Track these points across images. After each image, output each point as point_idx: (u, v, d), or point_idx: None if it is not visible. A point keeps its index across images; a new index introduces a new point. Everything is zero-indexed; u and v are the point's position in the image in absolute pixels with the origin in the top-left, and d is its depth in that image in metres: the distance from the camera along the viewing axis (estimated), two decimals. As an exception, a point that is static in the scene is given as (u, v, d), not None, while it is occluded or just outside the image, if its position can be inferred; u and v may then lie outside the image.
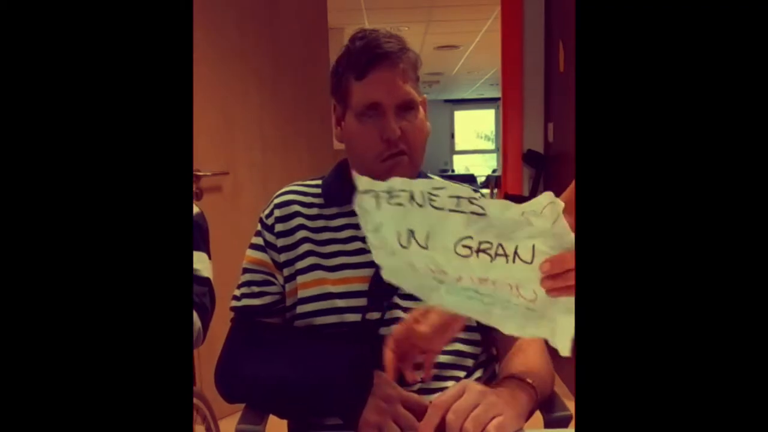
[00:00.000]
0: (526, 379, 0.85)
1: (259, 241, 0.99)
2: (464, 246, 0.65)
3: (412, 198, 0.67)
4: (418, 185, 0.67)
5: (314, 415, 0.91)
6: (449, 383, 0.91)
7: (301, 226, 0.97)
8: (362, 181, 0.71)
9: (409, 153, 0.91)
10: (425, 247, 0.68)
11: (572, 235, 0.60)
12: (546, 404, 0.93)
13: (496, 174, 6.89)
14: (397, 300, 0.92)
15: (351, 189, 0.96)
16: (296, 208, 0.98)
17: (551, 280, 0.61)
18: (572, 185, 0.73)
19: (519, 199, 2.88)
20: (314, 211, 0.98)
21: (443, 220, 0.66)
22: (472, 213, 0.64)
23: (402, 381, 0.87)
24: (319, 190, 1.01)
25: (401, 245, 0.69)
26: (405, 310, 0.91)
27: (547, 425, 0.88)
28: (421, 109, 0.95)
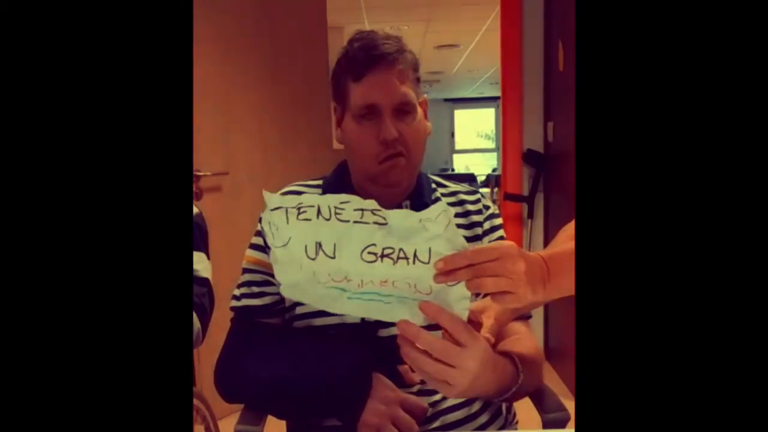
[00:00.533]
0: (512, 354, 0.84)
1: (258, 241, 0.99)
2: (369, 252, 0.73)
3: (319, 213, 0.74)
4: (325, 201, 0.74)
5: (313, 416, 0.91)
6: (448, 384, 0.91)
7: (301, 227, 0.97)
8: (272, 199, 0.76)
9: (407, 155, 0.91)
10: (332, 257, 0.73)
11: (462, 239, 0.71)
12: (538, 397, 0.94)
13: (496, 173, 6.88)
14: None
15: (351, 190, 0.97)
16: (296, 208, 0.98)
17: (444, 276, 0.70)
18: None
19: (519, 198, 2.88)
20: (314, 211, 0.98)
21: (349, 231, 0.73)
22: (375, 223, 0.72)
23: (401, 383, 0.87)
24: (319, 191, 1.01)
25: (309, 257, 0.74)
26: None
27: (545, 426, 0.88)
28: (419, 109, 0.95)
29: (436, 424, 0.89)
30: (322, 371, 0.87)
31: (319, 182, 1.03)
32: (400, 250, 0.71)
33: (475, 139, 10.97)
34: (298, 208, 0.74)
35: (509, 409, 0.99)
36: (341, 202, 0.73)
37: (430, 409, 0.88)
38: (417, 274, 0.72)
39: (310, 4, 2.58)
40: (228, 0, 2.29)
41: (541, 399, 0.95)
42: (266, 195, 0.76)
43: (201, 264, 1.27)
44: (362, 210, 0.72)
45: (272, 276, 0.97)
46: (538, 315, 2.87)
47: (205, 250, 1.31)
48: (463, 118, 10.75)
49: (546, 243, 2.85)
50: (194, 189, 2.24)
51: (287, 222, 0.74)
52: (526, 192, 2.83)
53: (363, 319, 0.91)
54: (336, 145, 2.43)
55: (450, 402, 0.91)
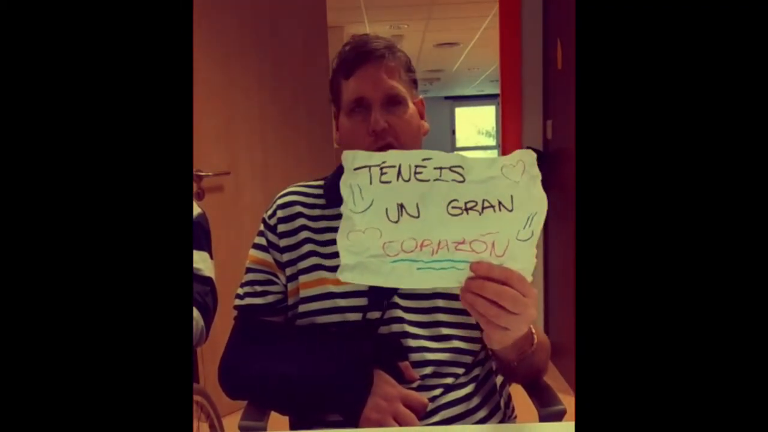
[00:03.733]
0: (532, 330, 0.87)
1: (261, 241, 1.01)
2: (454, 207, 0.72)
3: (399, 173, 0.72)
4: (407, 158, 0.73)
5: (315, 412, 0.92)
6: (448, 380, 0.92)
7: (304, 227, 0.98)
8: (358, 156, 0.74)
9: (398, 146, 0.92)
10: (417, 217, 0.73)
11: (539, 187, 0.72)
12: (535, 391, 0.96)
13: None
14: (396, 299, 0.93)
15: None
16: (299, 208, 1.00)
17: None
18: None
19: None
20: (316, 211, 1.00)
21: (430, 190, 0.72)
22: (453, 180, 0.72)
23: (402, 379, 0.89)
24: (321, 191, 1.02)
25: (391, 221, 0.73)
26: (405, 309, 0.93)
27: (542, 419, 0.89)
28: (412, 105, 0.96)
29: (436, 418, 0.90)
30: (324, 368, 0.88)
31: (321, 183, 1.04)
32: (484, 200, 0.72)
33: (475, 137, 10.95)
34: (381, 168, 0.73)
35: (508, 403, 1.01)
36: (423, 159, 0.72)
37: (430, 405, 0.89)
38: (500, 225, 0.72)
39: (310, 4, 2.59)
40: (228, 0, 2.30)
41: (538, 393, 0.96)
42: (349, 153, 0.74)
43: (204, 263, 1.28)
44: (441, 168, 0.72)
45: (275, 275, 0.99)
46: (538, 312, 2.88)
47: (208, 249, 1.32)
48: (463, 115, 10.73)
49: (546, 241, 2.86)
50: (196, 189, 2.25)
51: (370, 182, 0.73)
52: (525, 190, 2.84)
53: (364, 317, 0.92)
54: (337, 145, 2.44)
55: (450, 397, 0.92)
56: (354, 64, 0.94)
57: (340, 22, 4.44)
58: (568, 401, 0.89)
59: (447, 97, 10.47)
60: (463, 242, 0.72)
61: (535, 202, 0.72)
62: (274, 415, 0.97)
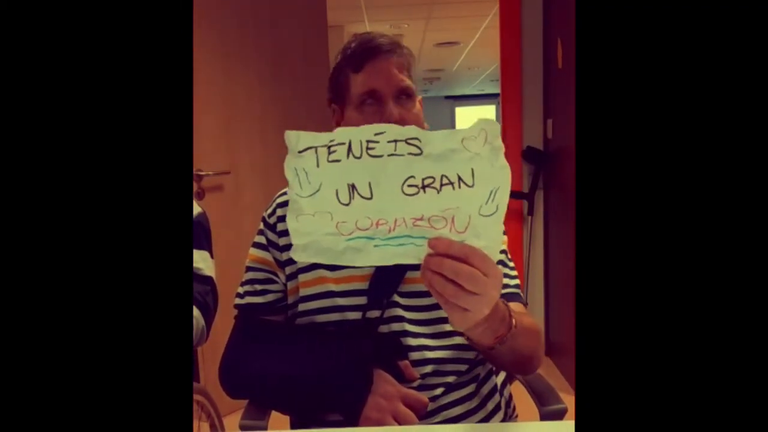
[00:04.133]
0: (505, 303, 0.82)
1: (261, 239, 1.01)
2: (409, 185, 0.68)
3: (349, 150, 0.68)
4: (358, 134, 0.68)
5: (316, 411, 0.92)
6: (449, 378, 0.92)
7: (303, 226, 0.98)
8: (302, 137, 0.69)
9: None
10: (369, 198, 0.69)
11: (502, 159, 0.68)
12: (537, 389, 0.95)
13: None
14: (397, 298, 0.93)
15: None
16: (298, 207, 1.00)
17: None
18: None
19: (518, 195, 2.89)
20: (315, 210, 1.00)
21: (384, 167, 0.68)
22: (410, 154, 0.68)
23: (402, 378, 0.89)
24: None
25: (341, 203, 0.69)
26: (405, 308, 0.93)
27: (542, 418, 0.90)
28: (417, 101, 0.97)
29: (437, 419, 0.90)
30: (324, 367, 0.88)
31: (320, 181, 1.04)
32: (443, 176, 0.68)
33: (475, 136, 10.95)
34: (329, 147, 0.68)
35: (509, 403, 1.01)
36: (376, 134, 0.68)
37: (432, 404, 0.89)
38: (459, 201, 0.68)
39: (310, 3, 2.59)
40: (228, 0, 2.30)
41: (539, 392, 0.96)
42: (292, 134, 0.70)
43: (204, 263, 1.28)
44: (396, 141, 0.68)
45: (275, 274, 0.99)
46: (538, 311, 2.88)
47: (208, 248, 1.32)
48: (464, 114, 10.72)
49: (546, 240, 2.86)
50: (196, 189, 2.25)
51: (317, 165, 0.69)
52: (525, 189, 2.84)
53: (364, 316, 0.92)
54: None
55: (451, 397, 0.92)
56: (364, 57, 0.94)
57: (340, 21, 4.44)
58: (568, 401, 0.89)
59: (447, 97, 10.47)
60: (421, 218, 0.69)
61: (497, 176, 0.68)
62: (274, 415, 0.97)
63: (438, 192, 0.68)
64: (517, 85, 2.80)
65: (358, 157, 0.68)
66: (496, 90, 3.78)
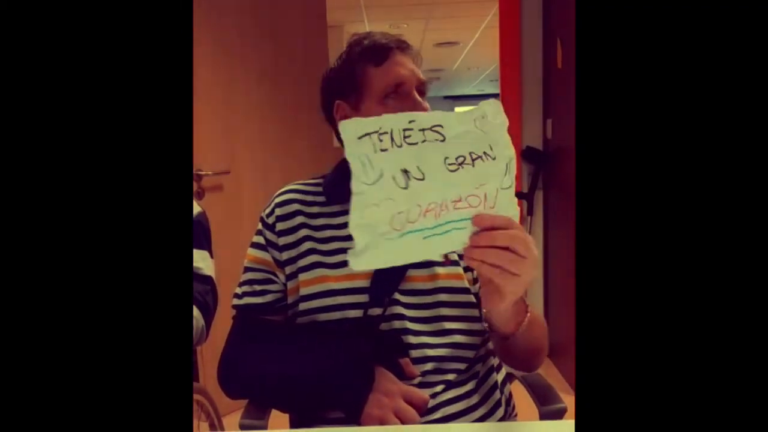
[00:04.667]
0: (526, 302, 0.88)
1: (260, 239, 1.01)
2: (450, 163, 0.73)
3: (392, 140, 0.72)
4: (397, 122, 0.72)
5: (316, 409, 0.93)
6: (449, 376, 0.92)
7: (303, 225, 0.98)
8: (361, 123, 0.71)
9: None
10: (422, 179, 0.72)
11: (506, 136, 0.74)
12: (537, 388, 0.96)
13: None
14: (397, 296, 0.93)
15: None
16: (297, 206, 1.00)
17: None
18: None
19: (518, 195, 2.89)
20: (315, 209, 1.00)
21: (422, 152, 0.72)
22: (435, 140, 0.73)
23: (402, 375, 0.89)
24: (319, 189, 1.02)
25: (401, 187, 0.72)
26: (405, 306, 0.93)
27: (542, 417, 0.90)
28: None
29: (437, 415, 0.90)
30: (325, 365, 0.88)
31: (319, 181, 1.04)
32: (470, 153, 0.73)
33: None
34: (379, 135, 0.71)
35: (508, 401, 1.01)
36: (410, 121, 0.72)
37: (432, 401, 0.89)
38: (488, 175, 0.73)
39: (310, 3, 2.59)
40: (228, 0, 2.31)
41: (539, 391, 0.97)
42: (350, 122, 0.72)
43: (204, 262, 1.28)
44: (424, 130, 0.72)
45: (274, 274, 0.99)
46: (538, 311, 2.88)
47: (208, 248, 1.32)
48: (463, 115, 10.72)
49: (546, 240, 2.87)
50: (196, 188, 2.26)
51: (375, 150, 0.71)
52: (525, 189, 2.84)
53: (365, 314, 0.92)
54: (336, 144, 2.44)
55: (451, 394, 0.92)
56: (386, 50, 0.95)
57: (339, 21, 4.44)
58: (568, 401, 0.89)
59: (447, 97, 10.48)
60: (459, 200, 0.72)
61: (508, 149, 0.74)
62: (274, 414, 0.97)
63: (473, 166, 0.73)
64: (516, 85, 2.81)
65: (399, 146, 0.72)
66: (496, 90, 3.79)
